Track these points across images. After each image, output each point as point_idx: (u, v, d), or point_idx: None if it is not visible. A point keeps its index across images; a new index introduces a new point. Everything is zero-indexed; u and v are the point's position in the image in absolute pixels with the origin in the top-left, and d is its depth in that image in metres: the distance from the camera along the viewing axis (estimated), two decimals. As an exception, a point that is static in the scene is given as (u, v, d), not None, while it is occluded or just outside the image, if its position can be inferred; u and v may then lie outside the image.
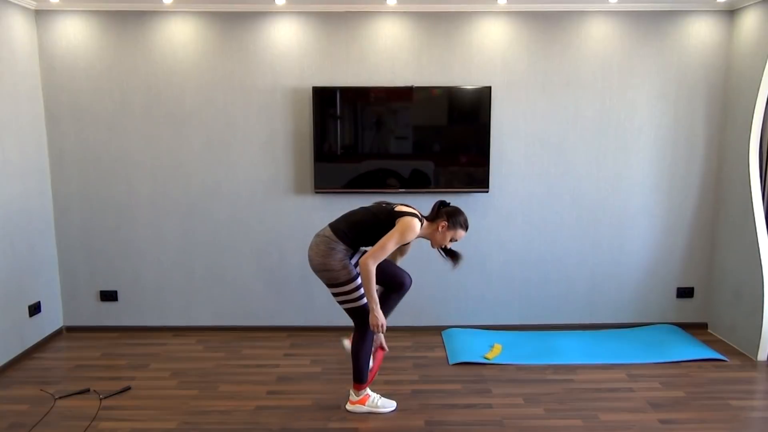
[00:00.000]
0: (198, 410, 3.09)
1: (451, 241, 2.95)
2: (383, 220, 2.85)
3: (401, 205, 2.94)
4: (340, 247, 2.86)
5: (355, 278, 2.88)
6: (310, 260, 2.91)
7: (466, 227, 2.94)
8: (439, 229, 2.90)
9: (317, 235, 2.93)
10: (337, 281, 2.86)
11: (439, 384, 3.40)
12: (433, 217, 2.94)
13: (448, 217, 2.90)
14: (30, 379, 3.48)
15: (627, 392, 3.27)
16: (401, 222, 2.80)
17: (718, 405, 3.12)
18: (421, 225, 2.87)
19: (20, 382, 3.44)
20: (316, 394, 3.27)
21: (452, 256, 3.05)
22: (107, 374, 3.55)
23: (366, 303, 2.89)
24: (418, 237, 2.90)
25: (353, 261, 2.92)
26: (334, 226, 2.92)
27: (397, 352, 3.87)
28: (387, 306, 3.05)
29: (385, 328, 2.89)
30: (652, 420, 2.96)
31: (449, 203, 3.00)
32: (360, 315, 2.94)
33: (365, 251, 2.95)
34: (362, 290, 2.89)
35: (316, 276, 2.94)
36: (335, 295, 2.92)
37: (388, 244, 2.77)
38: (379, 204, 2.97)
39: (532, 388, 3.34)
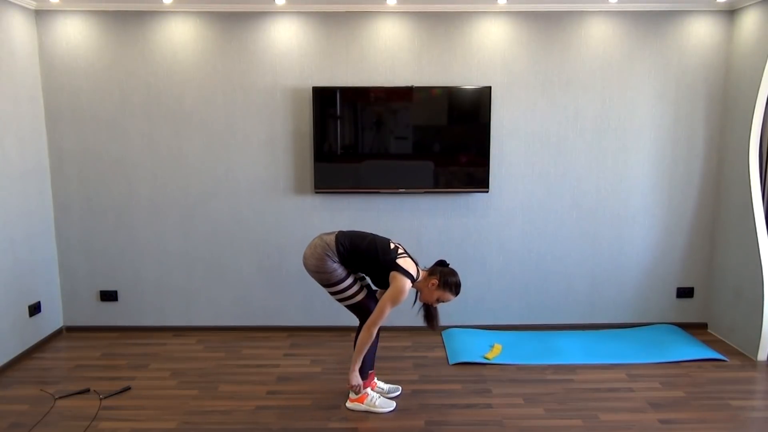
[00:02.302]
0: (198, 410, 3.09)
1: (438, 301, 2.99)
2: (382, 264, 2.90)
3: (406, 255, 2.96)
4: (334, 257, 2.93)
5: (347, 277, 2.96)
6: (305, 258, 2.97)
7: (456, 291, 2.97)
8: (429, 285, 2.95)
9: (320, 237, 2.99)
10: (329, 282, 2.94)
11: (439, 384, 3.40)
12: (429, 272, 2.99)
13: (440, 276, 2.94)
14: (30, 379, 3.48)
15: (627, 392, 3.27)
16: (396, 283, 2.84)
17: (718, 405, 3.12)
18: (416, 279, 2.92)
19: (20, 382, 3.44)
20: (316, 394, 3.27)
21: (429, 319, 3.09)
22: (107, 374, 3.55)
23: (362, 299, 3.00)
24: (414, 288, 2.98)
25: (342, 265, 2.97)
26: (339, 239, 2.95)
27: (397, 352, 3.87)
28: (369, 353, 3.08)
29: (360, 389, 3.02)
30: (652, 420, 2.96)
31: (448, 264, 3.04)
32: (360, 309, 3.02)
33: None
34: (356, 287, 2.98)
35: (309, 274, 2.99)
36: (331, 293, 3.00)
37: (386, 311, 2.86)
38: (388, 243, 2.99)
39: (532, 388, 3.34)
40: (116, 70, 4.00)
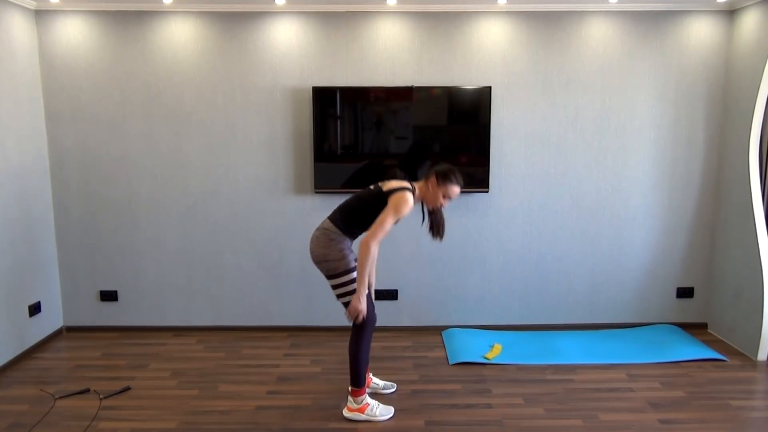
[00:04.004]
0: (198, 410, 3.09)
1: (445, 198, 2.91)
2: (372, 203, 2.86)
3: (392, 181, 2.92)
4: (340, 237, 2.87)
5: (353, 269, 2.88)
6: (311, 252, 2.93)
7: (457, 179, 2.90)
8: (430, 187, 2.90)
9: (318, 229, 2.96)
10: (335, 272, 2.86)
11: (439, 384, 3.40)
12: (424, 179, 2.94)
13: (436, 173, 2.89)
14: (30, 379, 3.48)
15: (627, 392, 3.27)
16: (393, 197, 2.80)
17: (718, 405, 3.12)
18: (414, 193, 2.87)
19: (20, 382, 3.44)
20: (316, 394, 3.27)
21: (436, 228, 3.03)
22: (107, 374, 3.55)
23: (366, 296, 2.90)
24: (418, 200, 2.91)
25: (353, 252, 2.92)
26: (331, 217, 2.95)
27: (397, 352, 3.87)
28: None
29: (363, 317, 2.87)
30: (652, 420, 2.96)
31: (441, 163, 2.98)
32: None
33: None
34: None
35: (317, 268, 2.96)
36: (334, 287, 2.91)
37: (386, 222, 2.77)
38: (367, 187, 2.98)
39: (532, 388, 3.34)
40: (116, 70, 4.00)
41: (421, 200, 2.98)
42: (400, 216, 2.79)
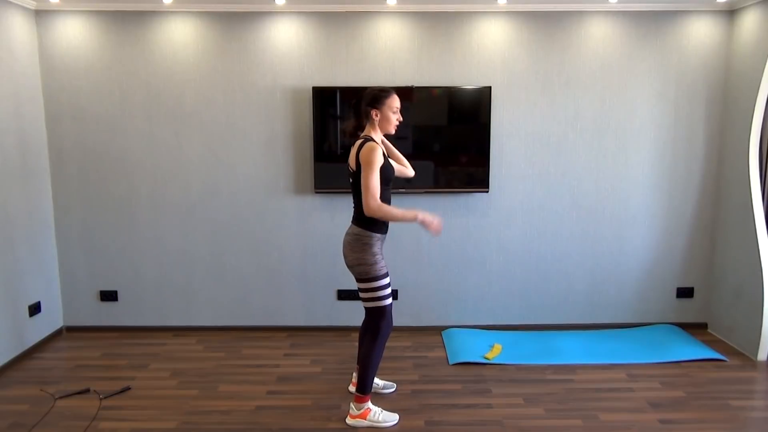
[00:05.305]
0: (198, 410, 3.09)
1: (394, 114, 2.90)
2: (359, 181, 2.83)
3: (351, 153, 2.89)
4: (372, 239, 2.86)
5: (384, 276, 2.88)
6: (345, 257, 2.92)
7: (386, 91, 2.88)
8: (375, 119, 2.88)
9: (347, 234, 2.93)
10: (367, 276, 2.85)
11: (439, 384, 3.40)
12: (365, 118, 2.92)
13: (369, 104, 2.87)
14: (30, 379, 3.48)
15: (627, 392, 3.27)
16: (361, 156, 2.78)
17: (718, 405, 3.12)
18: (373, 139, 2.87)
19: (20, 382, 3.44)
20: (316, 394, 3.27)
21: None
22: (107, 374, 3.55)
23: (388, 305, 2.90)
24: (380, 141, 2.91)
25: (383, 257, 2.92)
26: (354, 220, 2.93)
27: (397, 352, 3.87)
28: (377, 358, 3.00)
29: (439, 225, 2.83)
30: (652, 420, 2.96)
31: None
32: (378, 316, 2.91)
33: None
34: (388, 290, 2.90)
35: (350, 272, 2.95)
36: (362, 290, 2.90)
37: (369, 181, 2.74)
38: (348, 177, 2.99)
39: (532, 388, 3.34)
40: (116, 70, 4.00)
41: (381, 134, 2.95)
42: (375, 164, 2.75)
